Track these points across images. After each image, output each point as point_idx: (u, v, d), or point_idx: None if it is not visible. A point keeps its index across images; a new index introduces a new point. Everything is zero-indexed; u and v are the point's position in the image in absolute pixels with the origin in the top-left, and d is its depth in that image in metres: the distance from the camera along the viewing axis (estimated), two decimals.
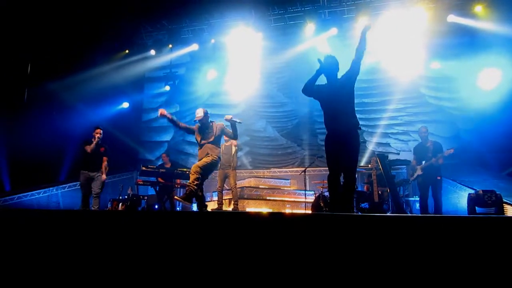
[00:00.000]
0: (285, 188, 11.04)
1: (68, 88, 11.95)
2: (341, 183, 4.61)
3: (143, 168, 9.12)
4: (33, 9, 10.49)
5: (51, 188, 11.57)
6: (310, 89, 4.74)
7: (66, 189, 12.03)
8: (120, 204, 10.02)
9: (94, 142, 7.40)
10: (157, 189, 9.19)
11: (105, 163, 7.61)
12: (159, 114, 6.22)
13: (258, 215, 3.08)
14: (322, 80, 4.85)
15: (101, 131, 7.63)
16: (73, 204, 11.61)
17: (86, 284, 2.86)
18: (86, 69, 12.37)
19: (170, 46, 13.94)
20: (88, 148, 7.41)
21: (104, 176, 7.54)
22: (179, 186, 9.43)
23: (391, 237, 2.49)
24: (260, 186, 10.87)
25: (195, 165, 5.93)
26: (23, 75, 11.21)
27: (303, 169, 9.77)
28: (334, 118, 4.55)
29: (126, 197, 10.26)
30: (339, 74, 4.74)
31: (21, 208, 10.14)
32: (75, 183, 12.03)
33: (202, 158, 6.00)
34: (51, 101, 11.94)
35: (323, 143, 12.90)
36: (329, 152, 4.57)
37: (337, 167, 4.49)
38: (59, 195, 11.78)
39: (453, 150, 7.28)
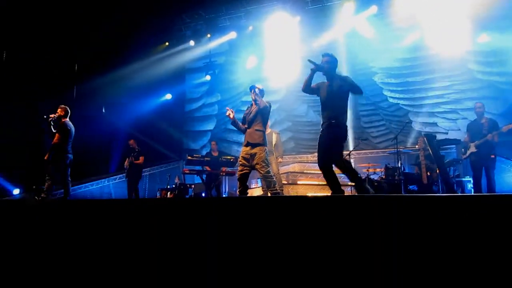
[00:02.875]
0: None
1: (113, 83, 12.32)
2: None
3: (189, 157, 9.31)
4: (75, 7, 10.85)
5: (102, 180, 12.07)
6: (309, 88, 5.06)
7: (116, 180, 12.52)
8: (168, 193, 10.33)
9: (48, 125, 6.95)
10: (204, 177, 9.37)
11: (54, 140, 6.98)
12: (228, 114, 5.90)
13: (304, 199, 3.09)
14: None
15: (60, 109, 7.12)
16: (124, 194, 12.06)
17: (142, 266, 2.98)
18: (128, 63, 12.71)
19: (209, 35, 14.07)
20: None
21: (46, 156, 6.85)
22: (224, 173, 9.57)
23: (443, 218, 2.43)
24: (305, 171, 10.84)
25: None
26: (71, 72, 11.63)
27: (348, 152, 9.65)
28: (323, 112, 4.92)
29: (173, 186, 10.55)
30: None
31: (77, 199, 10.64)
32: (124, 174, 12.49)
33: None
34: (97, 96, 12.37)
35: (367, 125, 12.65)
36: (318, 142, 4.93)
37: (321, 155, 4.88)
38: (110, 186, 12.28)
39: None
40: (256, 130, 5.70)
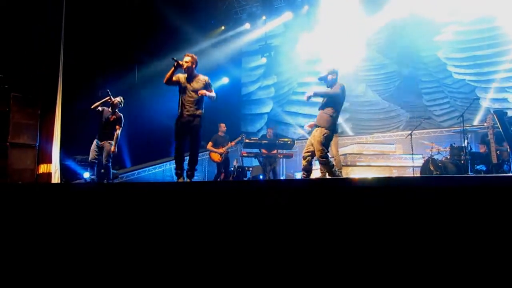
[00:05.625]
0: (391, 153, 10.63)
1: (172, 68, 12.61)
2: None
3: (246, 140, 9.41)
4: None
5: (164, 163, 12.49)
6: (170, 82, 5.74)
7: None
8: None
9: (100, 102, 7.14)
10: (261, 160, 9.44)
11: (117, 132, 7.16)
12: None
13: (364, 181, 3.02)
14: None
15: (120, 100, 7.32)
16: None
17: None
18: (186, 47, 12.93)
19: (264, 17, 14.02)
20: (94, 105, 7.13)
21: (112, 148, 7.09)
22: (282, 156, 9.58)
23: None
24: (364, 152, 10.60)
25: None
26: (133, 57, 12.02)
27: (409, 132, 9.32)
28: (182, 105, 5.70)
29: (232, 169, 10.71)
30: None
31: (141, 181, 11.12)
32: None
33: None
34: (157, 80, 12.72)
35: (429, 103, 12.16)
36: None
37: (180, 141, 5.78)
38: (172, 169, 12.70)
39: None
40: (324, 113, 5.70)
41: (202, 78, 5.77)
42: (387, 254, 2.43)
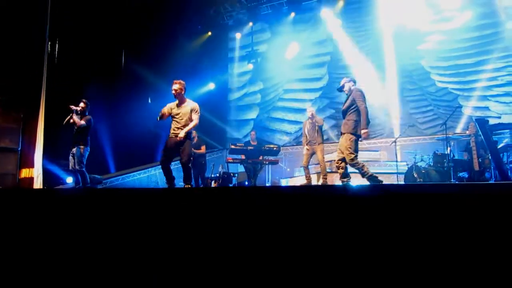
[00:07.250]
0: (375, 160, 10.72)
1: (158, 73, 12.55)
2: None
3: (232, 146, 9.40)
4: None
5: (150, 169, 12.38)
6: (163, 118, 6.05)
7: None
8: (213, 181, 10.47)
9: (68, 118, 7.12)
10: (246, 166, 9.43)
11: (82, 121, 7.15)
12: None
13: (347, 188, 3.04)
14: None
15: (84, 104, 7.34)
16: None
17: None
18: (172, 53, 12.90)
19: (251, 24, 14.08)
20: (64, 122, 7.18)
21: (76, 120, 7.08)
22: (267, 162, 9.59)
23: (497, 207, 2.32)
24: None
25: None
26: (118, 63, 11.95)
27: (393, 139, 9.42)
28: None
29: (217, 175, 10.67)
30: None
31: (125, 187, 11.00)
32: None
33: None
34: (143, 86, 12.63)
35: (413, 111, 12.30)
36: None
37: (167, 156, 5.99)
38: (157, 175, 12.60)
39: None
40: (348, 120, 5.89)
41: (189, 105, 5.97)
42: (369, 259, 2.45)
